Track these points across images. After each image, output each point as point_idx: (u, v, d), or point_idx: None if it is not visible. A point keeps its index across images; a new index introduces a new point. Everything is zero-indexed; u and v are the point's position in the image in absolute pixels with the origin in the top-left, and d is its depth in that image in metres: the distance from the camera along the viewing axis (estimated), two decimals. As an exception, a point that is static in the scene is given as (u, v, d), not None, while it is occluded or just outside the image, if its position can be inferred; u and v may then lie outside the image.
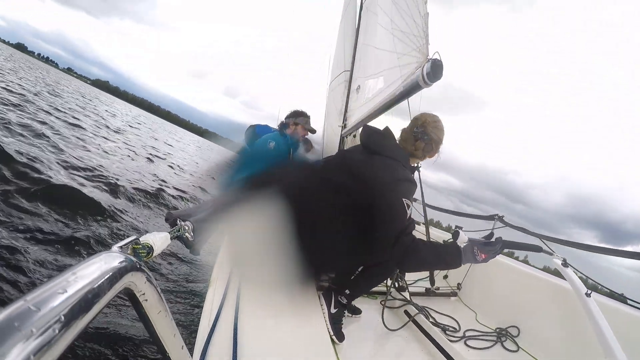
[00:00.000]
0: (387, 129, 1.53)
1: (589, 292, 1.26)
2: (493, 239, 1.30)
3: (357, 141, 2.97)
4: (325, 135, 4.10)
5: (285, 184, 1.33)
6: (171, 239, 0.80)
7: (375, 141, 1.45)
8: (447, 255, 1.25)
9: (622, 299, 1.65)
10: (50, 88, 17.44)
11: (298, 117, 2.76)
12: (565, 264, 1.41)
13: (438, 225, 3.60)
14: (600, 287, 1.65)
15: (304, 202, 1.28)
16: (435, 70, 1.62)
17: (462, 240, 1.30)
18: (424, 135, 1.43)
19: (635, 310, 1.55)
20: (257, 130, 2.86)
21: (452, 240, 1.37)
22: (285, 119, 2.78)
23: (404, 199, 1.20)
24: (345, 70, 3.83)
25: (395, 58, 2.06)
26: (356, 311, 1.72)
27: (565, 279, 1.65)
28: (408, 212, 1.21)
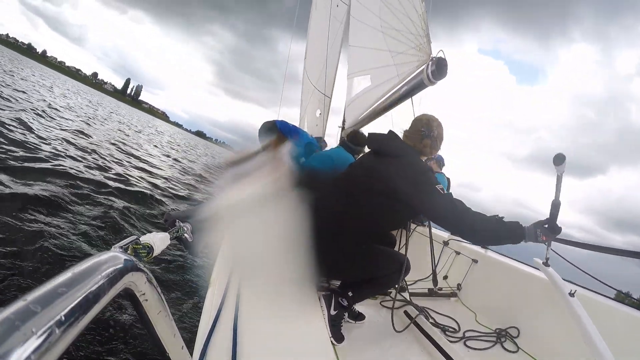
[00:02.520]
0: (391, 132, 1.58)
1: (573, 291, 1.26)
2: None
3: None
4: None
5: (325, 188, 1.48)
6: (171, 239, 0.80)
7: (388, 145, 1.51)
8: (510, 230, 1.31)
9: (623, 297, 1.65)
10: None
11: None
12: (546, 263, 1.42)
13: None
14: (615, 290, 1.64)
15: (331, 207, 1.40)
16: (440, 68, 1.63)
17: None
18: (431, 133, 1.50)
19: (630, 309, 1.55)
20: (280, 126, 2.84)
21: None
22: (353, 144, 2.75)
23: (436, 186, 1.31)
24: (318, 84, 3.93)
25: (389, 57, 2.05)
26: (359, 317, 1.69)
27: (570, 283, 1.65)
28: (445, 194, 1.31)
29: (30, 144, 5.29)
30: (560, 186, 1.31)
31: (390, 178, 1.36)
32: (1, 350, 0.23)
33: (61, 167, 4.66)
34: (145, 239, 0.63)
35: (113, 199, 4.38)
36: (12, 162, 4.15)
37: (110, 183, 5.01)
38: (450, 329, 1.80)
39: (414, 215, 1.73)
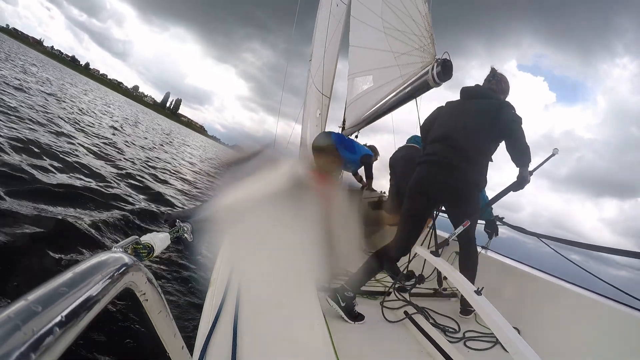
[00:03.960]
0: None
1: (480, 289, 1.26)
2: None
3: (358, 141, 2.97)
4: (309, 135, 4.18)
5: None
6: (171, 239, 0.80)
7: (475, 89, 1.81)
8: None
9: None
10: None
11: None
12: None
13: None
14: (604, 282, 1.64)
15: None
16: (445, 70, 1.64)
17: None
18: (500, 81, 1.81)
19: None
20: (335, 139, 3.04)
21: None
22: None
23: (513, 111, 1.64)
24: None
25: (392, 57, 2.05)
26: (358, 318, 1.71)
27: (569, 283, 1.65)
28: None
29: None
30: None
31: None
32: (2, 350, 0.23)
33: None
34: (146, 238, 0.63)
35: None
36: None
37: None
38: (450, 329, 1.80)
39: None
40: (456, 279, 1.35)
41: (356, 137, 3.57)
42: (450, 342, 1.57)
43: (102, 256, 0.40)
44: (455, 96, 1.84)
